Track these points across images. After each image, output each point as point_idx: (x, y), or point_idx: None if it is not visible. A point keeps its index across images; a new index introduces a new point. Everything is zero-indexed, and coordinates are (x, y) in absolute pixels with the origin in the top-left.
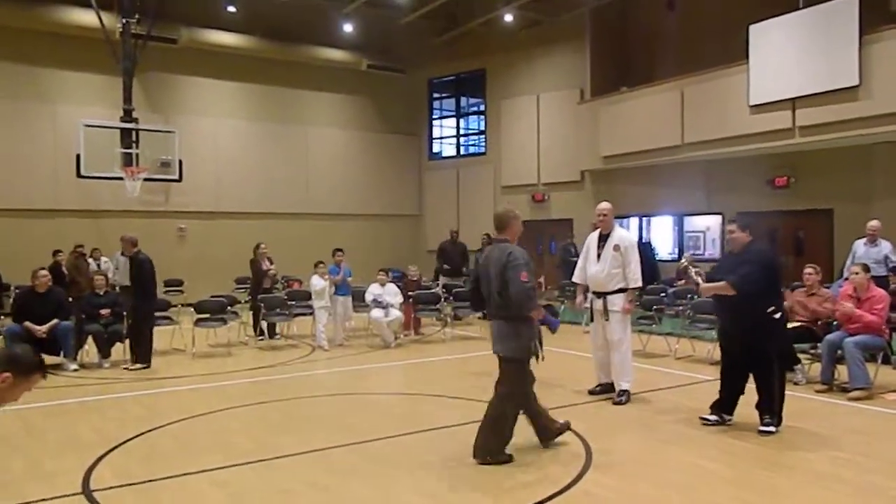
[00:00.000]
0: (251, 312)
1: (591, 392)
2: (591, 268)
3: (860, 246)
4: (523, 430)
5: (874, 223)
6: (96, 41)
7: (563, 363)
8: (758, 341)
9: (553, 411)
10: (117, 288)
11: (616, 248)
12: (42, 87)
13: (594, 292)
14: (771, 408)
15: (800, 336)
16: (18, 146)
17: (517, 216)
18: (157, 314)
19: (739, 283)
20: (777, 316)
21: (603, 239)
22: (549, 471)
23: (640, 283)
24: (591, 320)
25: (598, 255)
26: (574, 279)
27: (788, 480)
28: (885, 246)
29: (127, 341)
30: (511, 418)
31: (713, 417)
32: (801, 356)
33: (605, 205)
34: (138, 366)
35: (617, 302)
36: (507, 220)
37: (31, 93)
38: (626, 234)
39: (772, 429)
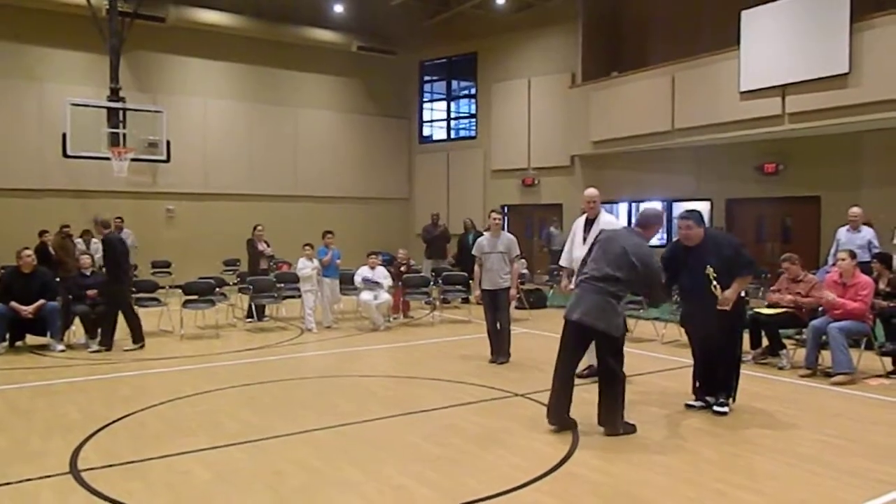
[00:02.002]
0: (248, 294)
1: (579, 375)
2: (577, 251)
3: (843, 233)
4: (508, 412)
5: (855, 210)
6: (83, 18)
7: (549, 346)
8: (725, 322)
9: (539, 394)
10: (103, 269)
11: (602, 232)
12: (28, 65)
13: None
14: (728, 388)
15: (785, 321)
16: (4, 125)
17: (661, 224)
18: (145, 296)
19: (751, 270)
20: (741, 294)
21: (589, 224)
22: (536, 452)
23: None
24: None
25: (584, 239)
26: (560, 263)
27: (772, 463)
28: (867, 232)
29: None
30: (624, 387)
31: (698, 403)
32: (785, 341)
33: (592, 191)
34: (102, 348)
35: None
36: (652, 222)
37: (16, 70)
38: (612, 219)
39: (726, 409)
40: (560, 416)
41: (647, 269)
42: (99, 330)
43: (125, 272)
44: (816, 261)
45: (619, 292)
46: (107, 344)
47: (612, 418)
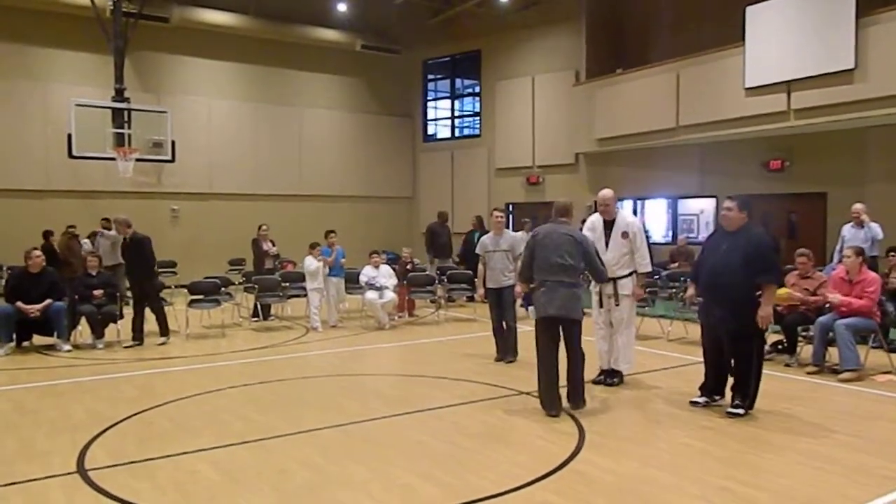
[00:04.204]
0: (253, 293)
1: (595, 382)
2: (601, 256)
3: (848, 230)
4: (514, 410)
5: (858, 206)
6: (87, 19)
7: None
8: (743, 322)
9: None
10: (122, 266)
11: (624, 234)
12: (33, 66)
13: None
14: (746, 391)
15: (792, 318)
16: (9, 126)
17: (572, 212)
18: None
19: (770, 277)
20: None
21: (608, 225)
22: (542, 450)
23: (650, 269)
24: (601, 306)
25: (607, 244)
26: None
27: (778, 460)
28: (872, 227)
29: (122, 321)
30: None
31: (702, 400)
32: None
33: (607, 192)
34: (135, 343)
35: (628, 285)
36: (570, 209)
37: (21, 71)
38: (633, 219)
39: (740, 411)
40: (555, 403)
41: (590, 247)
42: (107, 327)
43: (154, 270)
44: (823, 257)
45: (577, 279)
46: (139, 339)
47: (582, 394)
